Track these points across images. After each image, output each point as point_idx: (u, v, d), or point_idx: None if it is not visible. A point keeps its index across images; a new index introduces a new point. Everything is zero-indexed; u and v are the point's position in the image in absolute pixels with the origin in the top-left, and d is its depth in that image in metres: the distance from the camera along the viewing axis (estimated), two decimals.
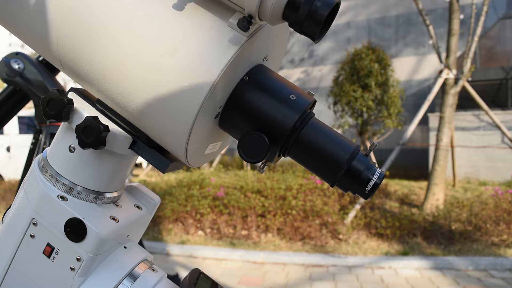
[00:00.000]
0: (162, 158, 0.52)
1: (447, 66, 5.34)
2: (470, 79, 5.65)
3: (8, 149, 8.78)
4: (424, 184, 6.61)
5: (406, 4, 9.10)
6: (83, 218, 0.50)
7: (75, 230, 0.49)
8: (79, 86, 0.57)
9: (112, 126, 0.51)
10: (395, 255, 4.22)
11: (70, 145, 0.53)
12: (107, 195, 0.55)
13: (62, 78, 8.62)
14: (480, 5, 5.73)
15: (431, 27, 5.45)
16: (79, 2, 0.48)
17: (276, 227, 4.80)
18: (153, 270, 0.56)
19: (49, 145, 0.70)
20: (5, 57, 1.77)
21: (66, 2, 0.49)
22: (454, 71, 5.32)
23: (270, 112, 0.48)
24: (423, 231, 4.58)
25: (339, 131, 7.14)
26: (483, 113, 6.81)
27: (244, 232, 4.87)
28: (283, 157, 0.53)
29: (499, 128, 5.70)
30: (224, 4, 0.47)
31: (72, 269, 0.50)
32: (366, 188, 0.47)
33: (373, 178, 0.47)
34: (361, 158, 0.48)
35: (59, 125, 0.57)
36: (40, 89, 1.72)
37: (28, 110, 7.74)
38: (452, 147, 6.31)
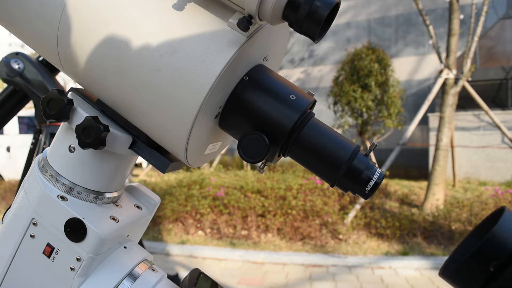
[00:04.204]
0: (162, 158, 0.52)
1: (447, 66, 5.33)
2: (470, 79, 5.65)
3: (8, 149, 8.78)
4: (424, 184, 6.61)
5: (406, 4, 9.09)
6: (83, 218, 0.50)
7: (75, 230, 0.49)
8: (79, 86, 0.57)
9: (112, 126, 0.51)
10: (395, 255, 4.22)
11: (70, 145, 0.53)
12: (107, 195, 0.55)
13: (62, 78, 8.62)
14: (480, 5, 5.73)
15: (431, 27, 5.45)
16: (80, 2, 0.48)
17: (276, 227, 4.80)
18: (153, 270, 0.56)
19: (49, 145, 0.70)
20: (5, 57, 1.77)
21: (67, 2, 0.49)
22: (454, 71, 5.32)
23: (270, 112, 0.48)
24: (423, 231, 4.58)
25: (339, 131, 7.13)
26: (483, 113, 6.81)
27: (244, 232, 4.87)
28: (283, 157, 0.53)
29: (499, 128, 5.70)
30: (224, 4, 0.47)
31: (72, 269, 0.50)
32: (366, 188, 0.47)
33: (373, 178, 0.47)
34: (361, 158, 0.48)
35: (59, 125, 0.57)
36: (40, 89, 1.72)
37: (28, 110, 7.74)
38: (452, 147, 6.31)
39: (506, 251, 0.37)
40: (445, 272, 0.41)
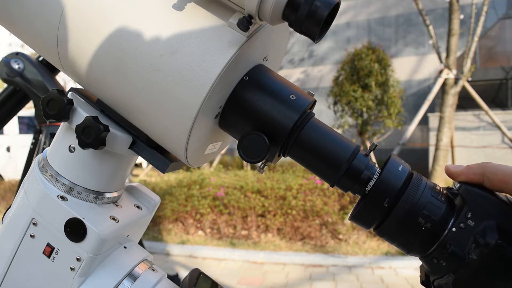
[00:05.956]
0: (162, 158, 0.52)
1: (447, 66, 5.33)
2: (470, 79, 5.65)
3: (8, 149, 8.78)
4: None
5: (406, 4, 9.10)
6: (83, 218, 0.50)
7: (75, 230, 0.49)
8: (79, 86, 0.57)
9: (112, 126, 0.51)
10: (395, 255, 4.22)
11: (70, 145, 0.53)
12: (107, 195, 0.55)
13: (62, 78, 8.62)
14: (480, 5, 5.73)
15: (431, 27, 5.46)
16: (80, 2, 0.48)
17: (276, 227, 4.80)
18: (153, 270, 0.56)
19: (49, 145, 0.70)
20: (5, 57, 1.77)
21: (68, 1, 0.49)
22: (454, 71, 5.32)
23: (270, 112, 0.48)
24: None
25: (339, 131, 7.13)
26: (483, 113, 6.81)
27: (244, 232, 4.87)
28: (283, 157, 0.53)
29: (499, 128, 5.70)
30: (224, 4, 0.47)
31: (72, 269, 0.50)
32: (366, 188, 0.47)
33: (373, 178, 0.47)
34: (361, 158, 0.48)
35: (59, 125, 0.57)
36: (40, 89, 1.73)
37: (28, 110, 7.74)
38: (452, 147, 6.31)
39: (394, 189, 0.44)
40: (352, 217, 0.47)
